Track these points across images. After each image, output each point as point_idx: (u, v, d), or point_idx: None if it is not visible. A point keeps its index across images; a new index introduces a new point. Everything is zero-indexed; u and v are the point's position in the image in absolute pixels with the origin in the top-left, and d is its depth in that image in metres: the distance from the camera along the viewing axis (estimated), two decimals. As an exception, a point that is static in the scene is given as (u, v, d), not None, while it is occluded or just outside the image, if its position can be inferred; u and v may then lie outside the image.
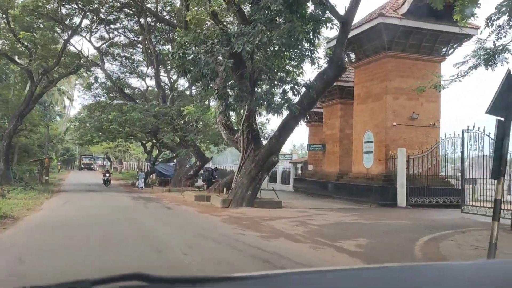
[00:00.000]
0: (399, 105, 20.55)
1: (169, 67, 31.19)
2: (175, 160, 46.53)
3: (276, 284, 1.13)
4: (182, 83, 33.37)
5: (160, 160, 42.67)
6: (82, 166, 74.83)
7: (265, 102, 14.75)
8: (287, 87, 15.30)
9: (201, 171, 30.24)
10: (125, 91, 32.01)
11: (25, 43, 24.91)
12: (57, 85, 55.78)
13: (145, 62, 33.62)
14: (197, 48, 13.50)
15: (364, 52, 21.84)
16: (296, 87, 15.20)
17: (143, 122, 26.27)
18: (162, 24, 29.91)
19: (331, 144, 26.25)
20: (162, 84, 30.81)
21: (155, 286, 1.03)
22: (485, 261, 3.33)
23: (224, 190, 20.58)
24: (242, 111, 17.73)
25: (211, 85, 15.81)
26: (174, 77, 31.32)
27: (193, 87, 31.45)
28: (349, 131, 24.67)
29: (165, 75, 32.38)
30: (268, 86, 15.03)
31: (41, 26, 26.24)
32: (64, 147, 74.80)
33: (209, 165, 31.88)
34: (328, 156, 26.51)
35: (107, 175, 33.35)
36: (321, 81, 15.88)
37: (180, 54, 12.96)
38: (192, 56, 13.12)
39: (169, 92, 29.67)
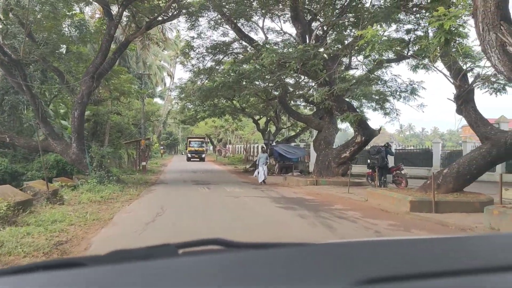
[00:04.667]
0: None
1: None
2: (297, 140, 35.87)
3: (348, 251, 1.07)
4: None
5: (276, 141, 31.75)
6: (189, 155, 46.76)
7: None
8: None
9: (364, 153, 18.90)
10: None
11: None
12: (155, 60, 47.59)
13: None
14: None
15: None
16: None
17: (277, 75, 15.46)
18: None
19: None
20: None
21: (231, 250, 1.05)
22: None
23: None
24: None
25: None
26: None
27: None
28: None
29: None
30: None
31: None
32: (166, 131, 68.08)
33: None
34: None
35: None
36: None
37: None
38: None
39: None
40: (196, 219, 8.58)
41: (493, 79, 13.37)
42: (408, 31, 18.49)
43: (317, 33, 17.80)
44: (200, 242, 1.03)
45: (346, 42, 16.66)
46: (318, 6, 18.43)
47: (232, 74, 17.15)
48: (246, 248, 1.06)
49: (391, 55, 18.77)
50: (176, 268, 0.93)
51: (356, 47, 14.60)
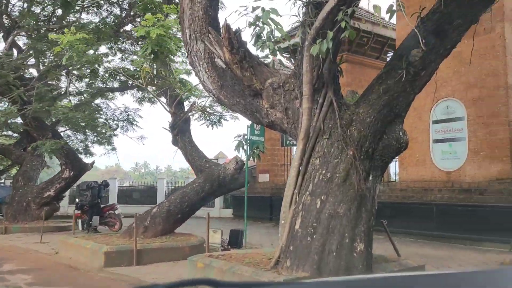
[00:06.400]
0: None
1: None
2: (3, 178, 29.13)
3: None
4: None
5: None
6: None
7: None
8: None
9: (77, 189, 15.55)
10: None
11: None
12: None
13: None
14: None
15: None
16: None
17: None
18: None
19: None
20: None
21: None
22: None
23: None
24: None
25: None
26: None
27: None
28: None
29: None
30: None
31: None
32: None
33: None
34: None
35: None
36: None
37: None
38: None
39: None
40: None
41: (209, 111, 12.73)
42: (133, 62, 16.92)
43: (17, 41, 14.05)
44: (187, 282, 0.99)
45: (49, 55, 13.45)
46: (19, 14, 14.77)
47: None
48: (234, 287, 1.02)
49: (116, 84, 16.74)
50: None
51: (54, 57, 11.71)
